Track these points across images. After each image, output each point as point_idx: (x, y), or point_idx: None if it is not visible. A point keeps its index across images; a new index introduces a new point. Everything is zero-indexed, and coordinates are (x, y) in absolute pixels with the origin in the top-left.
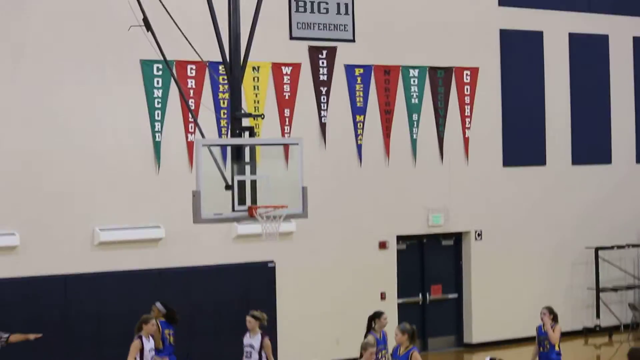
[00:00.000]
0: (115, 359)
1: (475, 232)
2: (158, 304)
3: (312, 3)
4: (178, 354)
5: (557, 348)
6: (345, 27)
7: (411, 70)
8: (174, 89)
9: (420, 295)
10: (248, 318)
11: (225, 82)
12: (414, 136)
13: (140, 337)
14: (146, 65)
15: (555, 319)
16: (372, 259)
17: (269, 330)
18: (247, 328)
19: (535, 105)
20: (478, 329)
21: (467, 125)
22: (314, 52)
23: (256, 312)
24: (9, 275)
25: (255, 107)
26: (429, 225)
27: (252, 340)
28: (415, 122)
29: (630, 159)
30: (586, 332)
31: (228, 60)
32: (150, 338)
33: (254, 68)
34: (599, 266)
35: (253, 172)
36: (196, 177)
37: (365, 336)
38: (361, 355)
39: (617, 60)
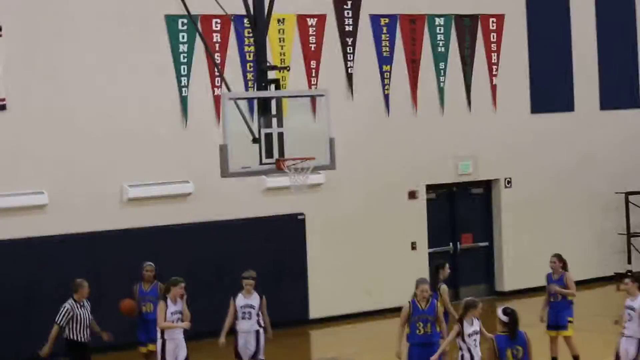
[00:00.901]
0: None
1: (505, 179)
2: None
3: None
4: None
5: (570, 297)
6: None
7: (437, 19)
8: (199, 44)
9: (450, 244)
10: (248, 281)
11: (251, 35)
12: (441, 85)
13: (166, 299)
14: (171, 20)
15: (565, 266)
16: (402, 209)
17: (301, 282)
18: (244, 290)
19: (562, 50)
20: (509, 276)
21: (494, 73)
22: (338, 2)
23: (251, 272)
24: (39, 234)
25: (281, 60)
26: (458, 174)
27: (250, 300)
28: (442, 71)
29: None
30: (618, 278)
31: (252, 13)
32: (178, 300)
33: (279, 20)
34: (629, 211)
35: (280, 124)
36: (223, 131)
37: (434, 287)
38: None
39: None
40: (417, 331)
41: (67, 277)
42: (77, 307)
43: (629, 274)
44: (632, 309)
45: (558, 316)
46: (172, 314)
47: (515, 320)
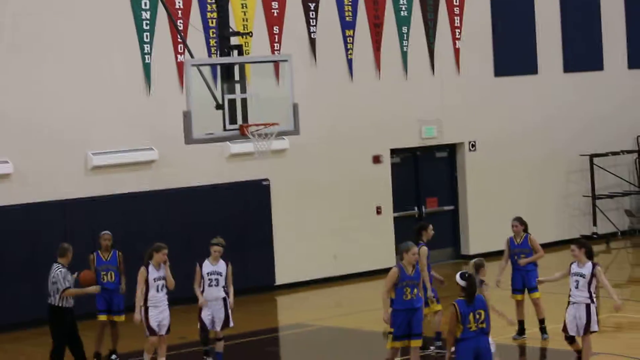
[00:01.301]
0: None
1: (469, 143)
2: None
3: None
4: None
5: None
6: None
7: None
8: (161, 11)
9: (416, 208)
10: (216, 248)
11: (213, 1)
12: (405, 49)
13: (148, 265)
14: None
15: (526, 229)
16: (367, 174)
17: (267, 248)
18: (212, 256)
19: (525, 13)
20: (475, 240)
21: (457, 36)
22: None
23: (220, 239)
24: (4, 203)
25: (244, 26)
26: (422, 138)
27: (217, 267)
28: (405, 35)
29: (622, 65)
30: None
31: None
32: (161, 266)
33: None
34: (594, 173)
35: (243, 90)
36: (187, 97)
37: None
38: (401, 259)
39: None
40: (404, 296)
41: (31, 245)
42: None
43: (594, 236)
44: (582, 275)
45: (525, 278)
46: (155, 280)
47: (473, 284)
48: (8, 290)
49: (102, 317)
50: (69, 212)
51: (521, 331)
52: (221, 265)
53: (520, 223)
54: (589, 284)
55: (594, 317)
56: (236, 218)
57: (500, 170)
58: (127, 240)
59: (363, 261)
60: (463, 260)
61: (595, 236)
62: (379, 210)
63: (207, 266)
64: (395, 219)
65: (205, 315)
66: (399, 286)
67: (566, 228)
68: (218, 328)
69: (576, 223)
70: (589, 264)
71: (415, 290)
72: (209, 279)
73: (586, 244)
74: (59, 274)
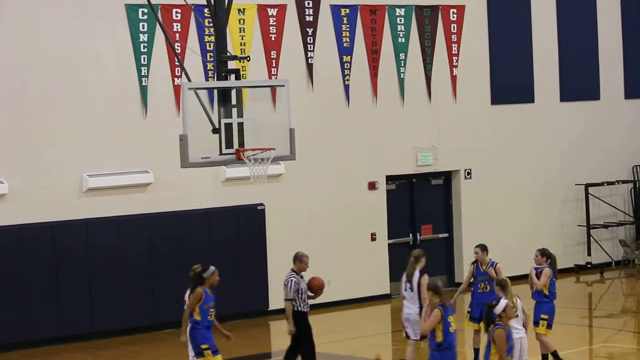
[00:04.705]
0: (104, 304)
1: (465, 170)
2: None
3: None
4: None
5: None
6: None
7: (397, 10)
8: (159, 33)
9: (410, 235)
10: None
11: (211, 25)
12: (402, 76)
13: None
14: (131, 9)
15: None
16: (362, 200)
17: (261, 273)
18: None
19: (523, 42)
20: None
21: (454, 64)
22: None
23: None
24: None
25: (241, 50)
26: (418, 165)
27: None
28: (402, 62)
29: (619, 95)
30: (577, 270)
31: (213, 2)
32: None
33: (239, 10)
34: (589, 203)
35: (240, 114)
36: (183, 121)
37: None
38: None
39: None
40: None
41: (25, 266)
42: None
43: (589, 265)
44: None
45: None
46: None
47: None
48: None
49: None
50: (60, 233)
51: None
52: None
53: (481, 250)
54: None
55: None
56: (231, 242)
57: (495, 198)
58: (121, 262)
59: (357, 287)
60: (458, 287)
61: (589, 266)
62: (373, 237)
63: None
64: (390, 245)
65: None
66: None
67: (560, 257)
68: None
69: (570, 252)
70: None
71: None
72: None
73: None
74: (287, 282)
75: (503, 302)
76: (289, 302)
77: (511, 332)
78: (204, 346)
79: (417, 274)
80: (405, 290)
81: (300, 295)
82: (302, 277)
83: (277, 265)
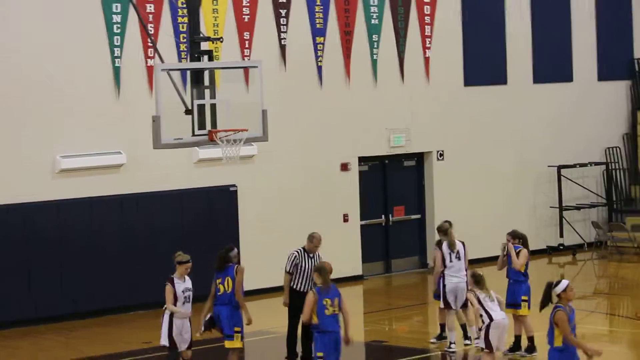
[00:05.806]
0: (76, 286)
1: (437, 152)
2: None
3: None
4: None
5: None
6: None
7: None
8: (133, 14)
9: (383, 216)
10: (189, 264)
11: (184, 6)
12: (375, 57)
13: (172, 280)
14: None
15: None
16: (334, 181)
17: None
18: (185, 273)
19: (496, 23)
20: None
21: (427, 45)
22: None
23: (185, 255)
24: None
25: (214, 31)
26: (390, 146)
27: (187, 283)
28: (375, 43)
29: (592, 77)
30: (550, 251)
31: None
32: (186, 279)
33: None
34: (561, 185)
35: (213, 96)
36: (156, 102)
37: None
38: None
39: None
40: None
41: None
42: None
43: (561, 247)
44: None
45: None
46: (184, 292)
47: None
48: None
49: None
50: (33, 215)
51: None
52: (188, 281)
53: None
54: None
55: None
56: (203, 223)
57: (467, 180)
58: (94, 243)
59: None
60: (429, 269)
61: (561, 247)
62: (345, 218)
63: (179, 284)
64: (362, 226)
65: (178, 333)
66: None
67: (533, 239)
68: (184, 347)
69: (543, 234)
70: None
71: None
72: (185, 296)
73: None
74: (289, 255)
75: (564, 282)
76: (287, 274)
77: (572, 312)
78: (237, 329)
79: (459, 243)
80: (451, 261)
81: (300, 273)
82: (311, 257)
83: (250, 246)
